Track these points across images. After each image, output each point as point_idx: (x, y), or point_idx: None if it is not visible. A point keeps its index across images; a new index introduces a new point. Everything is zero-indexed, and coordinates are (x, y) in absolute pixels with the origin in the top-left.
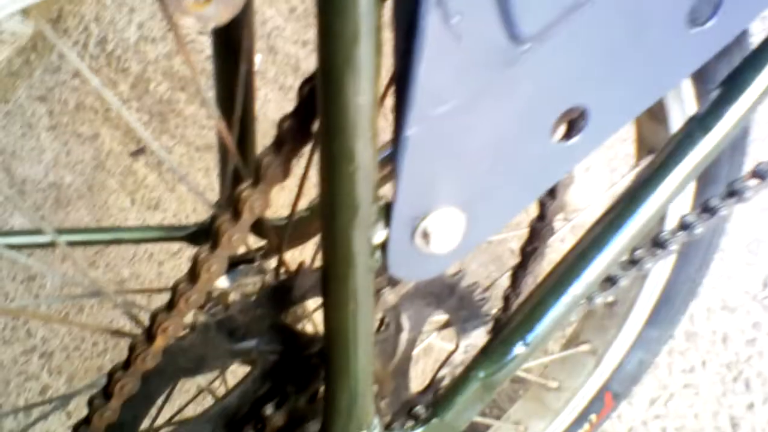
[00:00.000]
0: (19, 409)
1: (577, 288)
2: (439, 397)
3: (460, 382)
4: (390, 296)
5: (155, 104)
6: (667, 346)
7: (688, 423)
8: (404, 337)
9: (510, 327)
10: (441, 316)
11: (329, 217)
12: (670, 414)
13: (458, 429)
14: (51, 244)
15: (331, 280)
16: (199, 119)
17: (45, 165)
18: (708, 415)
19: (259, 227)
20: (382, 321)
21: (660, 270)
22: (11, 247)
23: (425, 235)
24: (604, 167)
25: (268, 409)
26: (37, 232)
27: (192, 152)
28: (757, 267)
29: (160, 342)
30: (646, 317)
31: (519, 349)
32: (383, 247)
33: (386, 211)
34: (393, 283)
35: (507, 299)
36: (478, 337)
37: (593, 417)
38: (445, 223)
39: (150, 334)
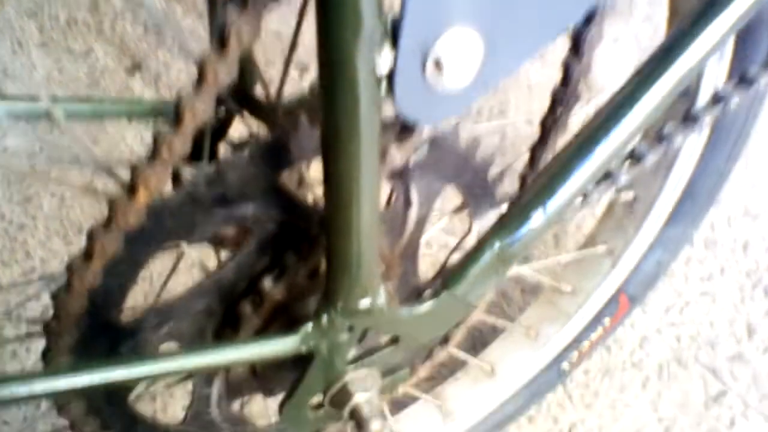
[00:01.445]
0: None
1: (602, 152)
2: (451, 269)
3: (473, 252)
4: (397, 154)
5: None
6: (685, 255)
7: (703, 330)
8: (413, 213)
9: (529, 193)
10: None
11: (327, 33)
12: (686, 322)
13: (469, 305)
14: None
15: (331, 113)
16: (196, 31)
17: (37, 83)
18: (724, 322)
19: (255, 107)
20: (390, 197)
21: (685, 161)
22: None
23: (437, 65)
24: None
25: (266, 283)
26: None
27: (191, 67)
28: None
29: (142, 197)
30: (667, 215)
31: (537, 216)
32: (390, 79)
33: (393, 30)
34: (400, 137)
35: (524, 179)
36: (493, 220)
37: (607, 321)
38: (459, 50)
39: (131, 188)
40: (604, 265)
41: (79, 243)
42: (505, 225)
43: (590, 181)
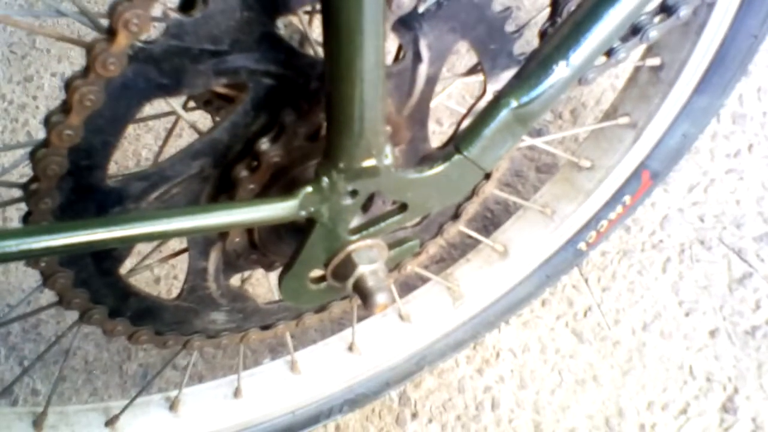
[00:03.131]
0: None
1: None
2: (464, 130)
3: (488, 111)
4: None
5: None
6: (711, 130)
7: (728, 209)
8: (423, 70)
9: (551, 43)
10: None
11: None
12: (710, 200)
13: (483, 168)
14: None
15: None
16: None
17: None
18: (751, 201)
19: None
20: (398, 52)
21: (718, 22)
22: None
23: None
24: None
25: (263, 144)
26: None
27: None
28: None
29: (122, 40)
30: (696, 83)
31: (560, 70)
32: None
33: None
34: None
35: (544, 35)
36: None
37: (627, 198)
38: None
39: (110, 31)
40: (626, 138)
41: None
42: (523, 80)
43: (617, 32)
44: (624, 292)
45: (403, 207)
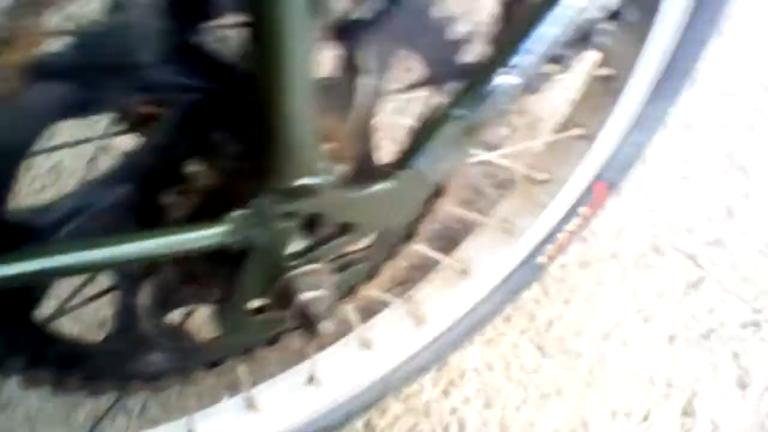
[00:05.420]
0: None
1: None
2: (410, 144)
3: (434, 124)
4: (337, 4)
5: None
6: (663, 137)
7: (681, 216)
8: (366, 82)
9: (492, 53)
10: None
11: None
12: (663, 208)
13: (431, 182)
14: None
15: None
16: None
17: None
18: (703, 206)
19: None
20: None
21: (665, 30)
22: None
23: None
24: None
25: (192, 166)
26: None
27: None
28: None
29: (16, 53)
30: (646, 91)
31: (503, 77)
32: None
33: None
34: None
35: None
36: None
37: (584, 210)
38: None
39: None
40: (581, 149)
41: None
42: (467, 91)
43: (559, 39)
44: (584, 304)
45: (348, 228)
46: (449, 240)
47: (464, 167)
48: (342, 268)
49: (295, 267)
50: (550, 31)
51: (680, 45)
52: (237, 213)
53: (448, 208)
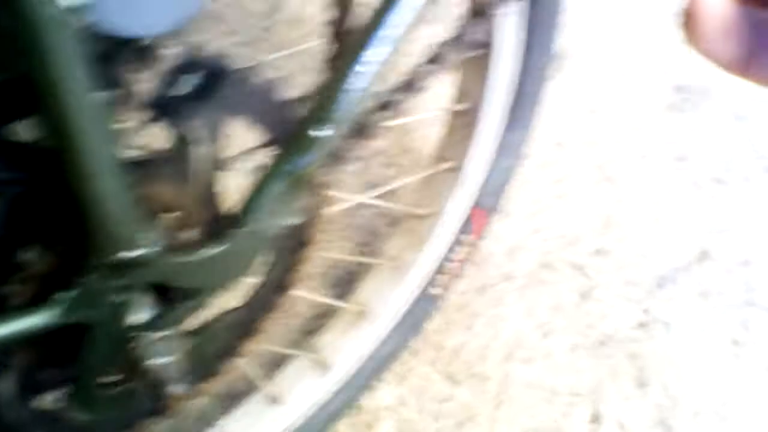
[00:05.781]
0: None
1: (372, 56)
2: (243, 203)
3: (263, 181)
4: (140, 82)
5: None
6: (537, 160)
7: (564, 231)
8: (199, 152)
9: (311, 108)
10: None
11: None
12: (547, 225)
13: (269, 237)
14: None
15: (32, 60)
16: None
17: None
18: (582, 219)
19: None
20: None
21: (504, 62)
22: None
23: None
24: None
25: (25, 254)
26: None
27: None
28: (616, 66)
29: None
30: (502, 120)
31: (323, 131)
32: None
33: None
34: (137, 64)
35: None
36: None
37: (467, 238)
38: None
39: None
40: (453, 181)
41: None
42: (291, 146)
43: (367, 88)
44: (485, 328)
45: (194, 292)
46: (349, 284)
47: (356, 210)
48: (195, 333)
49: (141, 337)
50: (358, 83)
51: (523, 72)
52: (64, 294)
53: (340, 254)
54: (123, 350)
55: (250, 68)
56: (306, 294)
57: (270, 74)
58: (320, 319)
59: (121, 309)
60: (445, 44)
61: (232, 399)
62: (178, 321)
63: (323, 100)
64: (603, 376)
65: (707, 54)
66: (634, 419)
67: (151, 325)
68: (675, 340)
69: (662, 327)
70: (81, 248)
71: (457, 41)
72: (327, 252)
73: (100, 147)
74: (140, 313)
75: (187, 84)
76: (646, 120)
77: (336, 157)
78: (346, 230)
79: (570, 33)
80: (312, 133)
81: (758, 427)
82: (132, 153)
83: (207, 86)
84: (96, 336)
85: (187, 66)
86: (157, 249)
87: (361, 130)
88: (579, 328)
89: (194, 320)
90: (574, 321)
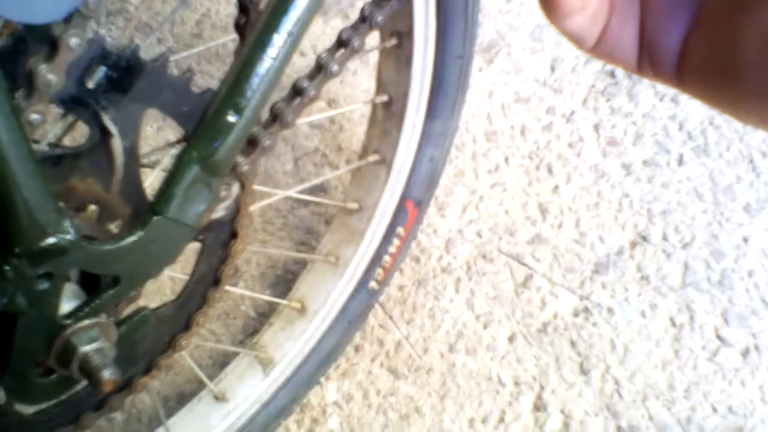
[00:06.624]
0: None
1: (279, 41)
2: (158, 190)
3: (176, 168)
4: (50, 75)
5: None
6: (470, 151)
7: (500, 220)
8: (117, 145)
9: (218, 96)
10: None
11: None
12: (483, 216)
13: (189, 225)
14: None
15: None
16: None
17: None
18: (517, 208)
19: None
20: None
21: (422, 52)
22: None
23: None
24: None
25: None
26: None
27: None
28: (543, 53)
29: None
30: (424, 110)
31: (231, 118)
32: None
33: None
34: (46, 56)
35: None
36: None
37: (401, 230)
38: None
39: None
40: (381, 174)
41: None
42: (200, 134)
43: (277, 74)
44: (426, 320)
45: (116, 279)
46: (289, 283)
47: (292, 210)
48: (125, 320)
49: (70, 324)
50: (264, 69)
51: (441, 64)
52: None
53: (279, 252)
54: (52, 337)
55: (164, 60)
56: (246, 292)
57: (184, 66)
58: (263, 317)
59: (44, 296)
60: (351, 28)
61: (177, 399)
62: (106, 309)
63: (231, 86)
64: (546, 364)
65: (564, 31)
66: (579, 406)
67: (78, 313)
68: (616, 326)
69: (603, 313)
70: (0, 237)
71: (362, 24)
72: (266, 250)
73: (11, 132)
74: (68, 301)
75: (99, 76)
76: (577, 106)
77: (255, 146)
78: (284, 229)
79: (495, 22)
80: (221, 118)
81: (702, 408)
82: (50, 147)
83: (120, 78)
84: (23, 324)
85: (99, 58)
86: (72, 237)
87: (276, 117)
88: (519, 317)
89: (127, 311)
90: (514, 310)
